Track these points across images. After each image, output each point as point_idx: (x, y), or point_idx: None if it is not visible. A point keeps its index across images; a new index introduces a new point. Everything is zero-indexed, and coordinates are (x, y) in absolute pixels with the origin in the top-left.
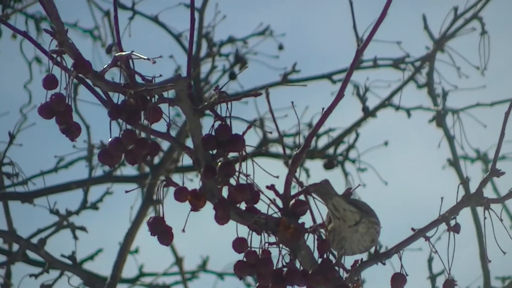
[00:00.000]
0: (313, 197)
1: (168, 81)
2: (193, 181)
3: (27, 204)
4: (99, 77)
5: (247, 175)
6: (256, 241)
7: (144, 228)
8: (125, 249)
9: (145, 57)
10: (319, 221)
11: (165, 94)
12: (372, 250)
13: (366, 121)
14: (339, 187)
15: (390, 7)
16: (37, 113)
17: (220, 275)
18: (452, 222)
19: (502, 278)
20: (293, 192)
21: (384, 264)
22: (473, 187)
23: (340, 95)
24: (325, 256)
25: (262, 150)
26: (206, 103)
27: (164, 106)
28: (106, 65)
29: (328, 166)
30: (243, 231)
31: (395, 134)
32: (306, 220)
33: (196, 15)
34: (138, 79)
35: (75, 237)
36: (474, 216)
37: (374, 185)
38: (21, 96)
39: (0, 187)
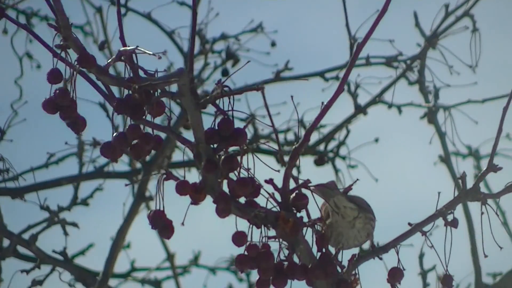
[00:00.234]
0: (312, 192)
1: (172, 76)
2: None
3: (18, 200)
4: (103, 72)
5: (248, 169)
6: (254, 236)
7: (136, 224)
8: (117, 245)
9: (150, 52)
10: (317, 216)
11: (166, 88)
12: (365, 245)
13: (357, 118)
14: None
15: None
16: (30, 108)
17: (212, 270)
18: (449, 217)
19: (493, 275)
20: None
21: (381, 258)
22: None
23: (340, 89)
24: (323, 250)
25: (253, 146)
26: (208, 97)
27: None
28: (110, 60)
29: (319, 162)
30: (240, 225)
31: (386, 131)
32: (304, 215)
33: (190, 12)
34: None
35: (66, 233)
36: (466, 213)
37: (365, 182)
38: (12, 92)
39: None
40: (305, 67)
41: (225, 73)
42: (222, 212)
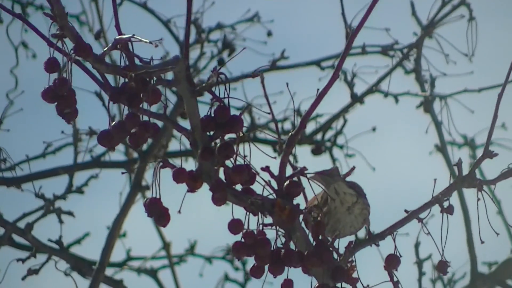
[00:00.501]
0: (309, 179)
1: (168, 63)
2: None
3: (13, 189)
4: (99, 60)
5: (244, 156)
6: (250, 224)
7: (132, 213)
8: (113, 234)
9: (147, 41)
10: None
11: (162, 76)
12: (360, 233)
13: (354, 107)
14: None
15: None
16: (26, 98)
17: (208, 259)
18: (446, 204)
19: (488, 264)
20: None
21: (378, 245)
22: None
23: (335, 76)
24: (320, 237)
25: (250, 135)
26: (204, 85)
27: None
28: (106, 48)
29: (316, 152)
30: (237, 214)
31: (383, 120)
32: (300, 202)
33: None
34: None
35: (61, 222)
36: (462, 203)
37: (362, 171)
38: (8, 81)
39: None
40: (301, 56)
41: (221, 62)
42: (218, 200)
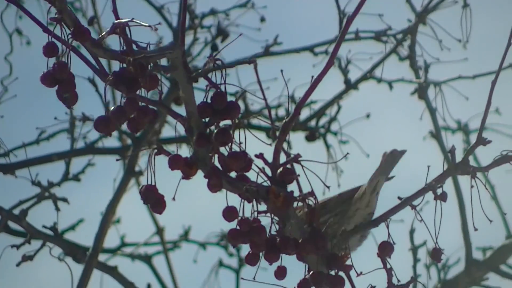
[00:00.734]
0: (302, 166)
1: (166, 48)
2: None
3: (9, 176)
4: (97, 45)
5: (240, 143)
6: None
7: (125, 199)
8: (107, 220)
9: (146, 24)
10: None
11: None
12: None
13: (348, 94)
14: (321, 160)
15: None
16: (20, 84)
17: (202, 245)
18: (439, 191)
19: (483, 249)
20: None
21: (365, 238)
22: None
23: (330, 63)
24: (314, 225)
25: (244, 122)
26: (200, 71)
27: None
28: (104, 32)
29: (310, 138)
30: (231, 201)
31: (377, 107)
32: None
33: None
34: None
35: (57, 208)
36: (456, 189)
37: (356, 157)
38: (2, 68)
39: None
40: (295, 42)
41: (214, 48)
42: (213, 187)
